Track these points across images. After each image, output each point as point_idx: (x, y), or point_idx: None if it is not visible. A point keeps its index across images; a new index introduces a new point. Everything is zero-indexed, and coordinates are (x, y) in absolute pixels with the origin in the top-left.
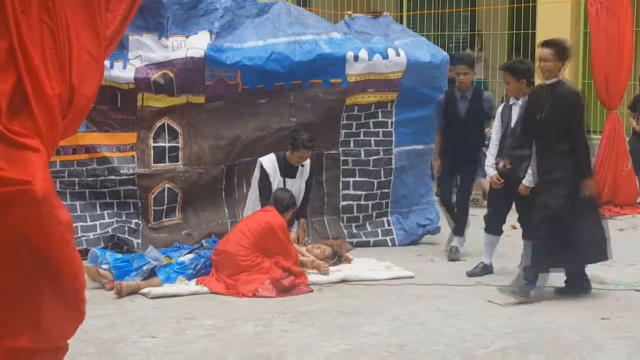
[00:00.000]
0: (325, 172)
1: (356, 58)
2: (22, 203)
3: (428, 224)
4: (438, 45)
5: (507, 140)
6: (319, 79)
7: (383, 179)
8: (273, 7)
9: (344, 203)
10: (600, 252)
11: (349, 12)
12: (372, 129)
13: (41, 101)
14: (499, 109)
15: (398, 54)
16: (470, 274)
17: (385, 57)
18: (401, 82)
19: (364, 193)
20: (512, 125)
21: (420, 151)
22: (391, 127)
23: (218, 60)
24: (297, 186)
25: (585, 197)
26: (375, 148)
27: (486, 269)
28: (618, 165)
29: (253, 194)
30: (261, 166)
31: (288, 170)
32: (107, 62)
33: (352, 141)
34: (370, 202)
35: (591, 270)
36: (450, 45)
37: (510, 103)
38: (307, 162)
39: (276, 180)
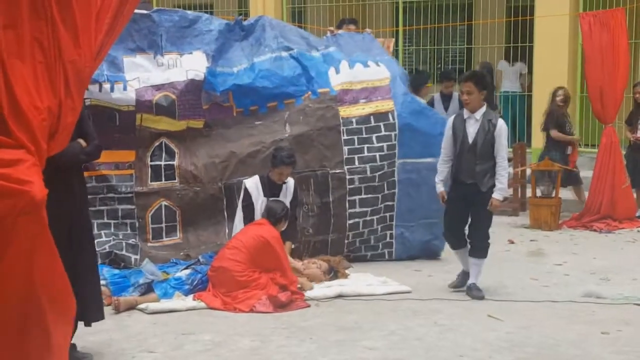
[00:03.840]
0: (332, 193)
1: (337, 70)
2: (23, 210)
3: (431, 239)
4: (434, 59)
5: (464, 155)
6: (308, 92)
7: (387, 191)
8: (257, 24)
9: (351, 221)
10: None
11: (331, 29)
12: (375, 144)
13: (19, 116)
14: (449, 122)
15: (378, 65)
16: (453, 285)
17: (366, 66)
18: (391, 89)
19: (369, 209)
20: (471, 141)
21: (431, 165)
22: (395, 139)
23: (212, 85)
24: None
25: None
26: (380, 163)
27: (466, 276)
28: (615, 178)
29: (238, 215)
30: (244, 187)
31: (271, 190)
32: (107, 85)
33: (356, 158)
34: (375, 217)
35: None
36: (447, 59)
37: (465, 117)
38: (291, 182)
39: (259, 200)
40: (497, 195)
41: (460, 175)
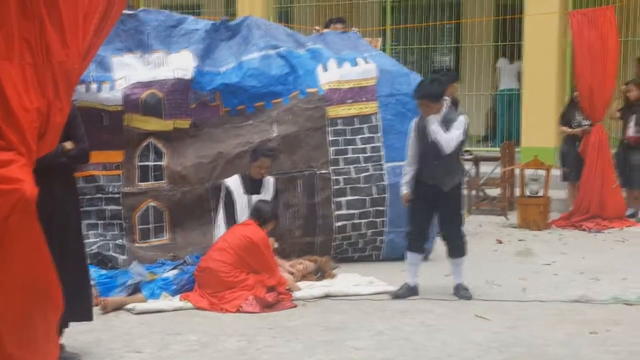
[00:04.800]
0: (318, 194)
1: (325, 68)
2: (15, 208)
3: None
4: (422, 58)
5: (426, 156)
6: (296, 91)
7: (376, 195)
8: (243, 24)
9: (339, 224)
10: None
11: (317, 27)
12: (359, 145)
13: (10, 117)
14: (412, 124)
15: (367, 62)
16: (394, 296)
17: (354, 64)
18: (376, 89)
19: (357, 212)
20: (430, 140)
21: None
22: (378, 142)
23: (200, 84)
24: None
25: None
26: (364, 165)
27: (411, 291)
28: (605, 177)
29: (220, 214)
30: (225, 186)
31: (252, 187)
32: (94, 85)
33: (341, 159)
34: (363, 221)
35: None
36: (435, 58)
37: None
38: (271, 179)
39: (240, 198)
40: (432, 120)
41: (422, 176)
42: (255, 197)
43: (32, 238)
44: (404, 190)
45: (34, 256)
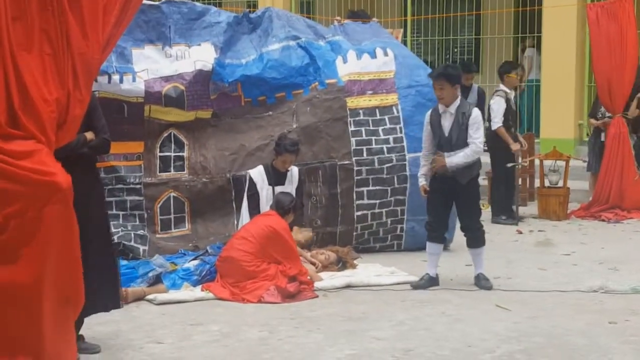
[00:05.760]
0: (340, 184)
1: (345, 60)
2: (51, 200)
3: None
4: (442, 49)
5: (443, 149)
6: (316, 82)
7: (397, 185)
8: (264, 16)
9: (359, 213)
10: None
11: (338, 18)
12: (382, 136)
13: (29, 107)
14: (427, 117)
15: (386, 54)
16: (415, 287)
17: (373, 56)
18: (395, 82)
19: (377, 202)
20: (447, 134)
21: None
22: (400, 132)
23: (221, 75)
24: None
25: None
26: (388, 155)
27: (432, 282)
28: (624, 169)
29: (244, 204)
30: (249, 177)
31: (276, 178)
32: (116, 77)
33: (364, 150)
34: (384, 210)
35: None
36: (455, 49)
37: (441, 111)
38: (295, 169)
39: (264, 189)
40: (448, 159)
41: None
42: (279, 189)
43: (68, 232)
44: (422, 181)
45: (67, 250)
